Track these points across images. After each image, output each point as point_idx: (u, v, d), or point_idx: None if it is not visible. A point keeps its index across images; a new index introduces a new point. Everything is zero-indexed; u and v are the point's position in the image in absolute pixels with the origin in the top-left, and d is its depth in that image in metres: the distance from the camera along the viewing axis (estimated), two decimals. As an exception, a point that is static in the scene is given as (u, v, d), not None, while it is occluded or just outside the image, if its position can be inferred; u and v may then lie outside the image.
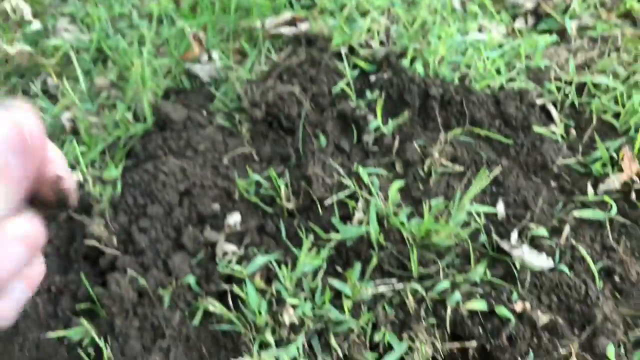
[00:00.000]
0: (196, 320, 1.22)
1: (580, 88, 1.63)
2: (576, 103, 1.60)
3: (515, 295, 1.23)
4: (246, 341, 1.17)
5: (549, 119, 1.58)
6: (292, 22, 1.76)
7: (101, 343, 1.15)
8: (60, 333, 1.17)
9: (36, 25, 1.86)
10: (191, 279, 1.24)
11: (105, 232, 1.25)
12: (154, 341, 1.17)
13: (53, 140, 1.55)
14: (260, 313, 1.18)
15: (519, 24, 1.86)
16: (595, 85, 1.63)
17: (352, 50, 1.71)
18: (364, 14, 1.81)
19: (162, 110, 1.53)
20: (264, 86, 1.59)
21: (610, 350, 1.13)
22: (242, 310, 1.20)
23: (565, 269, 1.27)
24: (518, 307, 1.21)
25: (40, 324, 1.19)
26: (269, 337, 1.15)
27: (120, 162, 1.49)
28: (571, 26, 1.78)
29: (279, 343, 1.16)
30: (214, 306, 1.20)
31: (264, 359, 1.13)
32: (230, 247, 1.29)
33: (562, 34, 1.81)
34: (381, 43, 1.72)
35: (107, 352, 1.14)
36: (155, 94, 1.68)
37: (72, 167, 1.49)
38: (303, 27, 1.75)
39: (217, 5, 1.82)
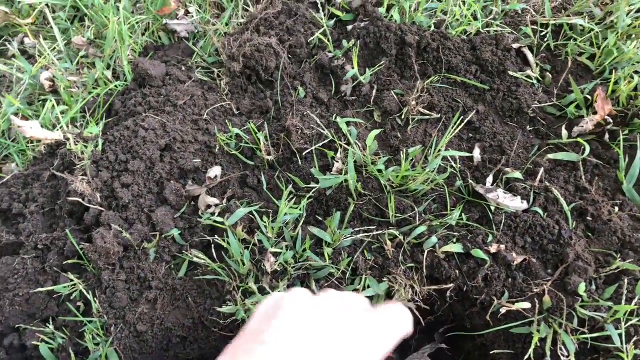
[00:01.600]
0: (181, 272, 1.26)
1: (557, 31, 1.63)
2: (552, 46, 1.61)
3: (490, 238, 1.27)
4: (230, 289, 1.22)
5: (525, 63, 1.59)
6: (268, -27, 1.73)
7: (89, 296, 1.19)
8: (49, 288, 1.21)
9: (9, -17, 1.83)
10: (175, 232, 1.28)
11: (88, 188, 1.27)
12: (141, 293, 1.21)
13: (33, 100, 1.55)
14: (243, 262, 1.21)
15: (497, -33, 1.83)
16: (571, 27, 1.63)
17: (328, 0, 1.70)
18: (340, -39, 1.78)
19: (141, 67, 1.52)
20: (241, 38, 1.59)
21: (582, 288, 1.17)
22: (225, 260, 1.24)
23: (539, 211, 1.30)
24: (493, 248, 1.25)
25: (29, 280, 1.22)
26: (252, 285, 1.19)
27: (100, 119, 1.50)
28: (550, -32, 1.76)
29: (262, 290, 1.20)
30: (198, 257, 1.24)
31: (248, 305, 1.17)
32: (212, 200, 1.31)
33: (541, -24, 1.79)
34: (358, -9, 1.71)
35: (95, 305, 1.18)
36: (134, 51, 1.68)
37: (53, 126, 1.50)
38: (279, -23, 1.72)
39: (192, -43, 1.79)
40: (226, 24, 1.69)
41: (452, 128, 1.34)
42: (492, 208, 1.31)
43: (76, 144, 1.36)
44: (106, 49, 1.63)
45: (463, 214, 1.31)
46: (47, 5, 1.76)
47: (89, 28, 1.73)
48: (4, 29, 1.77)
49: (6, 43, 1.73)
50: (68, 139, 1.38)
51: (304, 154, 1.39)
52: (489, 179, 1.37)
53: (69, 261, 1.24)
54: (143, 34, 1.72)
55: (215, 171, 1.35)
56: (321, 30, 1.59)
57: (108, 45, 1.62)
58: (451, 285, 1.25)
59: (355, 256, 1.25)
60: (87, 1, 1.76)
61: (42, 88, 1.59)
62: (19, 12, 1.79)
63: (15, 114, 1.52)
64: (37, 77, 1.60)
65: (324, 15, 1.62)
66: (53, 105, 1.48)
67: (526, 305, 1.18)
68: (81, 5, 1.75)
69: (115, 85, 1.57)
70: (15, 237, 1.30)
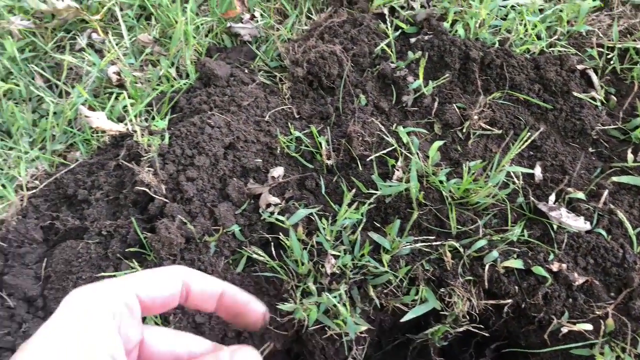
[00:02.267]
0: (239, 267, 1.26)
1: (623, 55, 1.62)
2: (618, 69, 1.60)
3: (551, 256, 1.25)
4: (288, 288, 1.22)
5: (589, 85, 1.58)
6: (334, -18, 1.76)
7: (151, 284, 1.20)
8: (111, 273, 1.23)
9: (81, -20, 1.89)
10: (236, 228, 1.29)
11: (154, 180, 1.29)
12: (200, 285, 1.22)
13: (101, 93, 1.59)
14: (302, 262, 1.22)
15: (561, -11, 1.84)
16: (638, 52, 1.61)
17: (393, 11, 1.72)
18: (405, -25, 1.80)
19: (207, 67, 1.55)
20: (306, 45, 1.61)
21: (646, 313, 1.15)
22: (284, 259, 1.24)
23: (603, 233, 1.28)
24: (554, 267, 1.23)
25: (92, 265, 1.24)
26: (311, 286, 1.19)
27: (166, 115, 1.52)
28: (615, -7, 1.76)
29: (320, 291, 1.20)
30: (258, 254, 1.25)
31: (306, 305, 1.17)
32: (274, 199, 1.32)
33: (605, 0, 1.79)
34: (422, 5, 1.72)
35: (156, 293, 1.19)
36: (197, 52, 1.71)
37: (122, 119, 1.54)
38: (345, -13, 1.75)
39: (259, -36, 1.83)
40: (290, 30, 1.72)
41: (517, 145, 1.33)
42: (554, 227, 1.30)
43: (143, 137, 1.39)
44: (171, 48, 1.67)
45: (524, 231, 1.30)
46: (116, 3, 1.81)
47: (155, 27, 1.77)
48: (73, 24, 1.82)
49: (75, 37, 1.78)
50: (135, 131, 1.40)
51: (366, 160, 1.40)
52: (552, 198, 1.35)
53: (131, 249, 1.26)
54: (207, 36, 1.76)
55: (278, 171, 1.37)
56: (386, 41, 1.60)
57: (174, 44, 1.66)
58: (509, 301, 1.23)
59: (415, 266, 1.24)
60: (155, 1, 1.80)
61: (109, 81, 1.63)
62: (88, 9, 1.84)
63: (83, 105, 1.55)
64: (105, 71, 1.64)
65: (389, 26, 1.64)
66: (123, 98, 1.51)
67: (588, 327, 1.16)
68: (148, 5, 1.80)
69: (180, 83, 1.60)
70: (80, 223, 1.32)
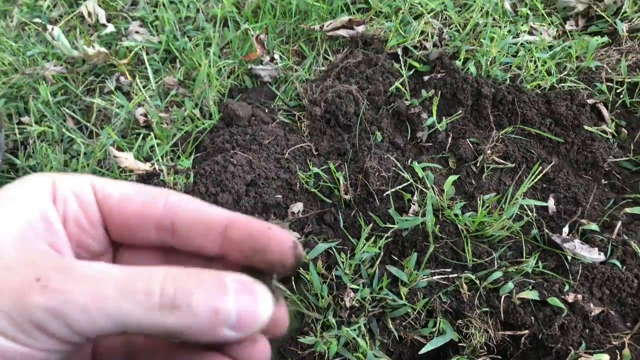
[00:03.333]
0: (262, 301, 1.31)
1: (632, 88, 1.66)
2: (627, 103, 1.63)
3: (567, 287, 1.28)
4: (309, 322, 1.26)
5: (600, 118, 1.62)
6: (349, 25, 1.84)
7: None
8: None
9: (110, 28, 2.00)
10: (258, 263, 1.33)
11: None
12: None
13: (128, 134, 1.67)
14: (322, 296, 1.26)
15: (569, 25, 1.89)
16: (647, 86, 1.66)
17: (406, 51, 1.78)
18: (417, 16, 1.88)
19: (230, 108, 1.63)
20: (323, 85, 1.68)
21: (662, 342, 1.17)
22: (304, 292, 1.29)
23: (618, 263, 1.31)
24: (570, 298, 1.25)
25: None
26: (331, 319, 1.23)
27: (190, 154, 1.60)
28: (622, 28, 1.80)
29: (340, 324, 1.24)
30: (279, 288, 1.29)
31: (327, 338, 1.21)
32: (294, 234, 1.37)
33: (613, 35, 1.84)
34: (434, 45, 1.79)
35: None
36: (219, 92, 1.79)
37: (148, 158, 1.61)
38: (359, 29, 1.83)
39: (278, 9, 1.92)
40: (307, 71, 1.79)
41: (529, 179, 1.37)
42: (569, 258, 1.33)
43: (169, 176, 1.46)
44: (196, 89, 1.75)
45: (539, 262, 1.33)
46: (142, 47, 1.91)
47: (180, 70, 1.86)
48: (103, 68, 1.92)
49: (105, 81, 1.88)
50: (162, 170, 1.47)
51: (383, 194, 1.45)
52: (565, 229, 1.38)
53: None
54: (229, 77, 1.84)
55: (297, 207, 1.42)
56: (400, 80, 1.67)
57: (197, 86, 1.74)
58: (526, 332, 1.26)
59: (432, 298, 1.28)
60: (179, 45, 1.90)
61: (136, 123, 1.71)
62: (116, 53, 1.94)
63: (112, 145, 1.63)
64: (133, 112, 1.72)
65: (403, 65, 1.70)
66: (150, 139, 1.59)
67: (606, 357, 1.18)
68: (173, 49, 1.89)
69: (203, 123, 1.67)
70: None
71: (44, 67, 1.87)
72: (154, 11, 2.07)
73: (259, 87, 1.83)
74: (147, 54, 1.92)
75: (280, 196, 1.47)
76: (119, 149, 1.65)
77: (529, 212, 1.42)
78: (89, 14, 2.03)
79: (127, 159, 1.58)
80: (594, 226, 1.37)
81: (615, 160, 1.53)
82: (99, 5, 2.09)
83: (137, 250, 0.45)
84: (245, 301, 0.36)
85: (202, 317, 0.34)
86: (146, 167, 1.59)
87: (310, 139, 1.64)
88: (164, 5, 2.05)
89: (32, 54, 1.95)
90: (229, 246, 0.42)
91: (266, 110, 1.72)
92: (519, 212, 1.40)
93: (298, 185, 1.51)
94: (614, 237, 1.36)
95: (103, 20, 2.03)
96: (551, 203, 1.45)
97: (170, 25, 1.95)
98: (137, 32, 1.97)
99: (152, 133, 1.62)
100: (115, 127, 1.71)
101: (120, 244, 0.45)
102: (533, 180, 1.40)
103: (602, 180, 1.52)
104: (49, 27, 1.93)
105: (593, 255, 1.32)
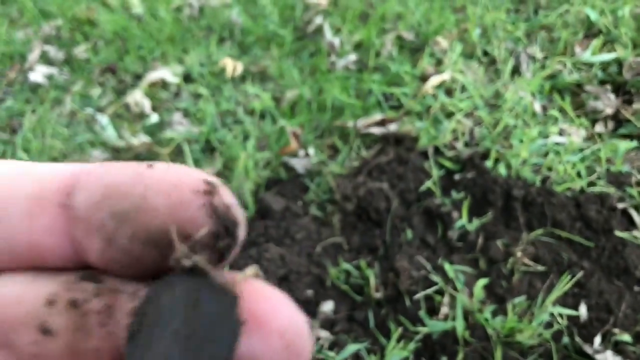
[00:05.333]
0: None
1: (663, 194, 1.67)
2: (659, 209, 1.65)
3: (600, 400, 1.25)
4: None
5: (631, 223, 1.63)
6: (382, 123, 1.92)
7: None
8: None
9: (154, 118, 2.12)
10: (287, 361, 1.35)
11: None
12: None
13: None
14: (350, 399, 1.26)
15: (599, 128, 1.94)
16: (678, 192, 1.67)
17: (437, 150, 1.84)
18: (448, 115, 1.95)
19: (265, 201, 1.69)
20: (355, 181, 1.74)
21: None
22: (333, 394, 1.29)
23: (652, 377, 1.28)
24: (603, 412, 1.23)
25: None
26: (359, 423, 1.22)
27: (225, 246, 1.65)
28: (652, 132, 1.84)
29: None
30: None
31: None
32: (323, 333, 1.39)
33: (643, 138, 1.87)
34: (465, 144, 1.85)
35: None
36: (256, 183, 1.86)
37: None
38: (392, 127, 1.90)
39: (314, 106, 2.02)
40: (341, 166, 1.86)
41: (561, 285, 1.37)
42: (602, 370, 1.30)
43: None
44: (233, 181, 1.82)
45: (571, 373, 1.31)
46: (185, 139, 2.01)
47: (218, 160, 1.95)
48: (146, 157, 2.02)
49: (147, 169, 1.97)
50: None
51: (413, 295, 1.46)
52: (597, 339, 1.37)
53: None
54: (264, 168, 1.92)
55: (328, 306, 1.44)
56: (431, 180, 1.72)
57: (236, 178, 1.82)
58: None
59: (461, 405, 1.26)
60: (219, 137, 1.99)
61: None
62: (159, 143, 2.05)
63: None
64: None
65: (433, 164, 1.76)
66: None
67: None
68: (214, 140, 1.99)
69: (239, 215, 1.73)
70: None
71: (92, 155, 1.98)
72: (196, 103, 2.20)
73: (293, 179, 1.89)
74: (189, 144, 2.02)
75: (311, 291, 1.49)
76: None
77: (559, 319, 1.41)
78: (135, 104, 2.16)
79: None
80: (626, 337, 1.36)
81: (647, 267, 1.52)
82: (145, 95, 2.23)
83: None
84: None
85: None
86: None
87: (341, 233, 1.68)
88: (207, 98, 2.17)
89: (80, 142, 2.07)
90: (79, 231, 0.21)
91: (299, 203, 1.77)
92: (549, 319, 1.39)
93: (329, 281, 1.53)
94: (648, 349, 1.34)
95: (148, 110, 2.15)
96: (583, 310, 1.45)
97: (211, 117, 2.06)
98: (179, 123, 2.08)
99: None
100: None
101: None
102: (564, 286, 1.40)
103: (635, 287, 1.51)
104: (98, 115, 2.06)
105: (627, 368, 1.30)
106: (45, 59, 2.55)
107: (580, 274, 1.49)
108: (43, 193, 0.21)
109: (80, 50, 2.55)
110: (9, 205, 0.20)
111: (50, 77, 2.42)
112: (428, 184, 1.71)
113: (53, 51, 2.53)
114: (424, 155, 1.83)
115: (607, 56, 2.12)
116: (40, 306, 0.21)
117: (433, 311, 1.45)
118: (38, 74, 2.39)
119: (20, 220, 0.20)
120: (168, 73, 2.30)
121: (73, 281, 0.21)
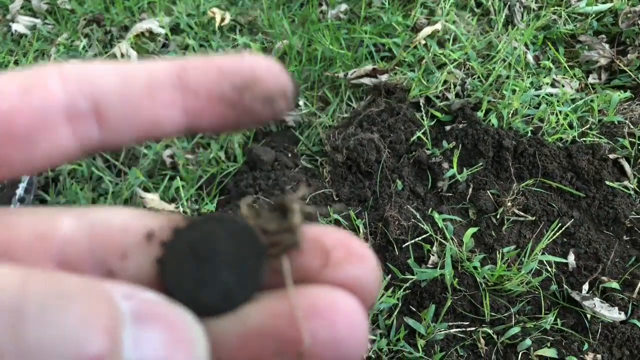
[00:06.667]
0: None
1: (655, 145, 1.66)
2: (650, 159, 1.64)
3: (586, 346, 1.27)
4: None
5: (622, 173, 1.62)
6: (373, 74, 1.88)
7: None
8: None
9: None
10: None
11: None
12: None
13: (155, 174, 1.72)
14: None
15: (592, 79, 1.91)
16: (670, 143, 1.66)
17: (428, 101, 1.81)
18: (440, 66, 1.91)
19: (254, 152, 1.67)
20: (345, 132, 1.72)
21: (683, 407, 1.15)
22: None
23: (638, 323, 1.30)
24: (589, 357, 1.25)
25: None
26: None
27: (214, 197, 1.63)
28: (646, 83, 1.82)
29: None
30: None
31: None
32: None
33: (636, 90, 1.85)
34: (457, 95, 1.82)
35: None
36: (245, 135, 1.83)
37: (174, 200, 1.65)
38: (383, 78, 1.87)
39: (304, 56, 1.97)
40: (331, 117, 1.83)
41: (549, 234, 1.37)
42: (588, 316, 1.32)
43: (193, 218, 1.49)
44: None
45: (558, 319, 1.32)
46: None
47: (207, 112, 1.92)
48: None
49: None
50: (186, 212, 1.51)
51: (402, 244, 1.46)
52: (585, 287, 1.38)
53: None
54: (254, 121, 1.89)
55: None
56: (422, 130, 1.70)
57: (223, 129, 1.79)
58: (544, 391, 1.25)
59: (449, 352, 1.27)
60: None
61: (163, 164, 1.76)
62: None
63: (139, 186, 1.68)
64: (160, 153, 1.77)
65: (424, 115, 1.73)
66: (176, 181, 1.63)
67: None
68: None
69: (228, 167, 1.71)
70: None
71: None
72: (184, 54, 2.14)
73: (283, 132, 1.87)
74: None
75: (300, 242, 1.49)
76: (146, 189, 1.69)
77: (548, 267, 1.42)
78: (122, 55, 2.10)
79: (153, 200, 1.62)
80: (614, 284, 1.37)
81: (637, 216, 1.53)
82: (132, 47, 2.17)
83: None
84: (154, 343, 0.20)
85: None
86: (171, 208, 1.63)
87: (331, 184, 1.67)
88: (193, 49, 2.12)
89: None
90: (196, 102, 0.26)
91: (289, 155, 1.75)
92: (538, 267, 1.40)
93: (318, 232, 1.53)
94: (634, 296, 1.35)
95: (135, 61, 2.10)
96: (571, 259, 1.45)
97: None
98: (167, 75, 2.03)
99: (178, 175, 1.67)
100: (142, 167, 1.76)
101: None
102: (553, 235, 1.40)
103: (624, 237, 1.52)
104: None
105: (613, 314, 1.31)
106: (28, 9, 2.48)
107: (569, 223, 1.49)
108: (158, 78, 0.26)
109: (64, 0, 2.47)
110: (133, 90, 0.26)
111: (33, 28, 2.35)
112: (418, 134, 1.69)
113: (35, 1, 2.45)
114: (416, 106, 1.80)
115: (602, 6, 2.08)
116: (141, 238, 0.26)
117: (422, 260, 1.45)
118: (20, 25, 2.32)
119: (144, 100, 0.26)
120: (155, 24, 2.24)
121: (166, 225, 0.26)
